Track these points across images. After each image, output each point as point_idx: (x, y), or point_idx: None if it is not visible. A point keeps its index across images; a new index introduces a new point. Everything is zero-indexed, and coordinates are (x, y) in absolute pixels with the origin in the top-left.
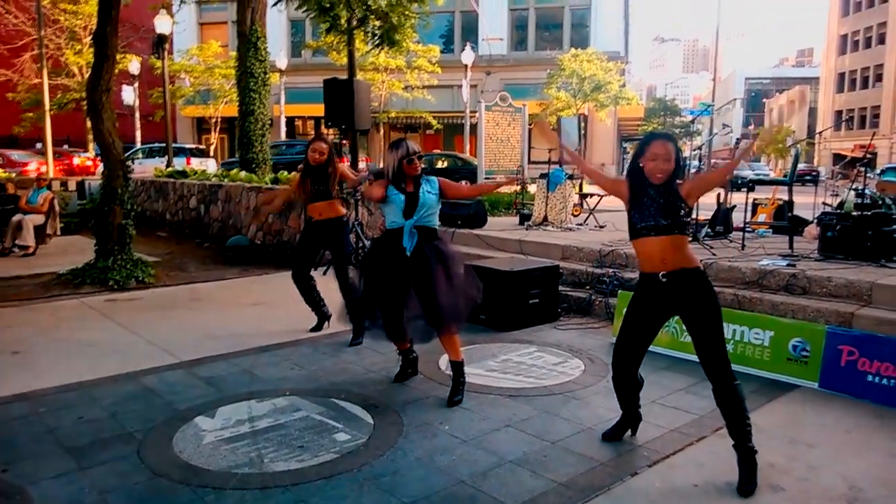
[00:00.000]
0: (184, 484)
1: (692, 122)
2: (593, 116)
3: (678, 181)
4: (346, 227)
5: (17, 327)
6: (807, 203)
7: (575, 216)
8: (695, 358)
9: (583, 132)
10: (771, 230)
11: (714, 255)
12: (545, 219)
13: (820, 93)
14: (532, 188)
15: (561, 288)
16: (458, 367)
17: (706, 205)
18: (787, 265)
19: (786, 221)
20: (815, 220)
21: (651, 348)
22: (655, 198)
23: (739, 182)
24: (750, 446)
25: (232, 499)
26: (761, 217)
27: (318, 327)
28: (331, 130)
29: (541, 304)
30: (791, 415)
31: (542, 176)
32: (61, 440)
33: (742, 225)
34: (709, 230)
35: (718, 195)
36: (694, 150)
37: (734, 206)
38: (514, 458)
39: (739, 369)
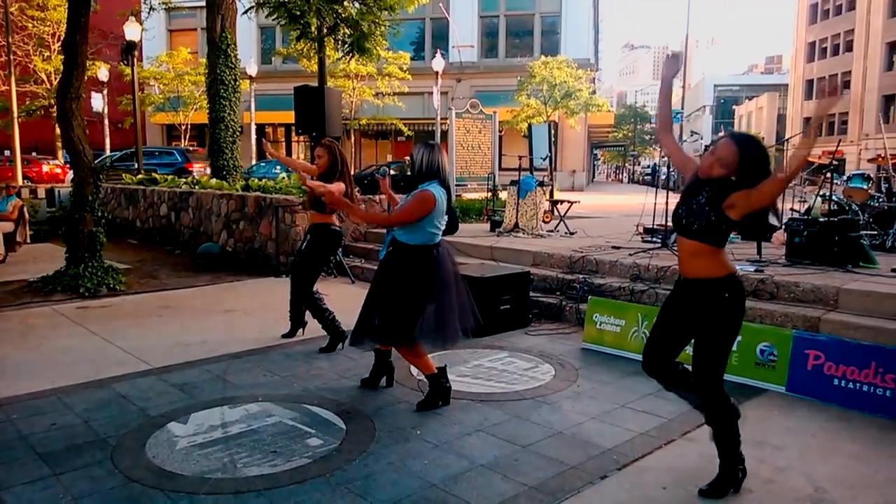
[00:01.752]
0: (157, 489)
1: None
2: (563, 123)
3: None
4: (329, 235)
5: None
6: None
7: (546, 223)
8: None
9: (553, 139)
10: (739, 236)
11: None
12: (516, 225)
13: (789, 99)
14: (503, 195)
15: (532, 294)
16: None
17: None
18: (755, 270)
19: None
20: (783, 226)
21: (620, 353)
22: (703, 199)
23: None
24: (732, 462)
25: (206, 503)
26: None
27: (290, 334)
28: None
29: (512, 309)
30: (759, 418)
31: (513, 183)
32: (34, 446)
33: None
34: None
35: None
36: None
37: None
38: (486, 462)
39: None
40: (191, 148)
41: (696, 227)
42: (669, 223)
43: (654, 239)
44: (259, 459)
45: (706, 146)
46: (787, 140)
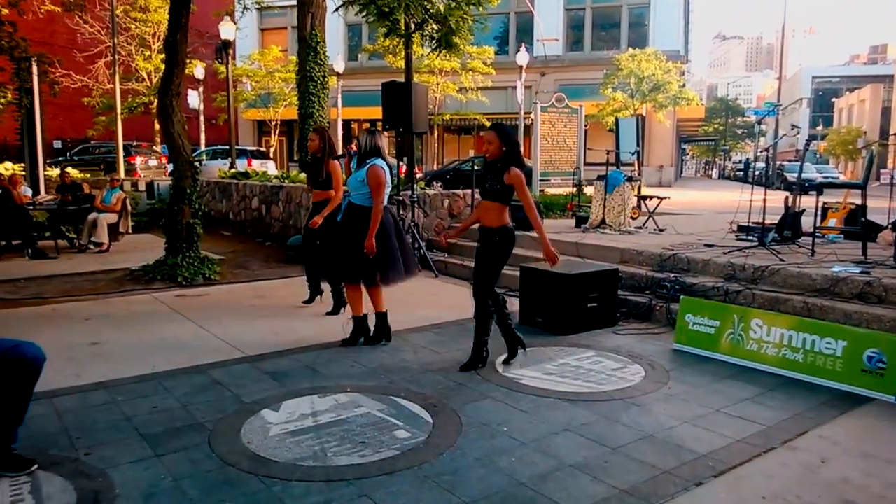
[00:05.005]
0: (252, 474)
1: (759, 122)
2: (651, 117)
3: None
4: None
5: (94, 320)
6: (881, 207)
7: (633, 219)
8: (760, 366)
9: (640, 133)
10: (842, 236)
11: (782, 260)
12: (603, 221)
13: (895, 91)
14: (589, 190)
15: (620, 292)
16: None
17: (774, 209)
18: (861, 272)
19: (858, 226)
20: (891, 226)
21: (714, 355)
22: None
23: (807, 185)
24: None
25: (298, 490)
26: (832, 222)
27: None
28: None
29: (599, 308)
30: (866, 429)
31: (600, 178)
32: (138, 427)
33: (811, 230)
34: (776, 235)
35: (786, 198)
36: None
37: (803, 210)
38: (574, 463)
39: (809, 380)
40: (134, 142)
41: None
42: (767, 220)
43: (750, 237)
44: (349, 449)
45: (807, 140)
46: (894, 135)
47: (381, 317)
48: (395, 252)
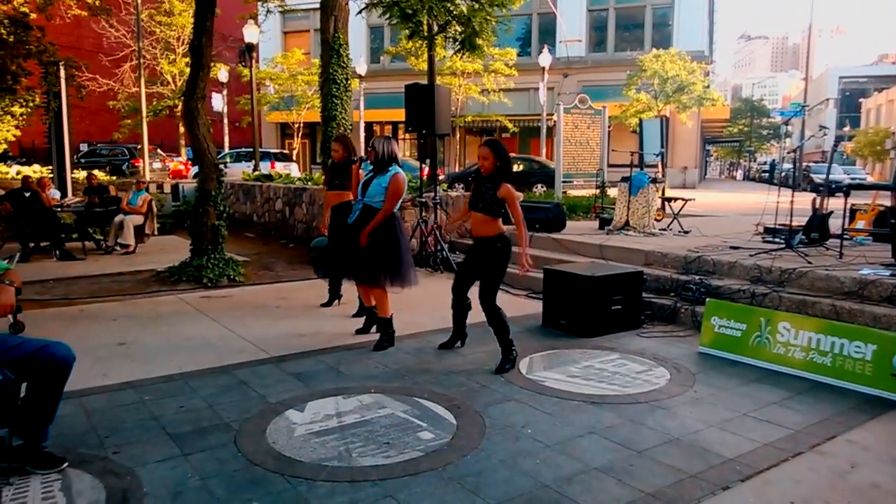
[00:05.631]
0: (278, 473)
1: (786, 123)
2: (675, 118)
3: None
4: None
5: (121, 320)
6: None
7: (658, 221)
8: (788, 369)
9: (665, 134)
10: (871, 238)
11: (809, 262)
12: (626, 223)
13: None
14: (612, 192)
15: (644, 294)
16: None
17: (800, 210)
18: (891, 275)
19: (888, 229)
20: None
21: (740, 358)
22: None
23: (834, 186)
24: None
25: (323, 490)
26: (860, 224)
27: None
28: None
29: (623, 310)
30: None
31: (624, 179)
32: (165, 427)
33: (839, 232)
34: (803, 237)
35: (814, 200)
36: (788, 152)
37: (831, 212)
38: (599, 466)
39: (837, 384)
40: (138, 145)
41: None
42: (794, 222)
43: (777, 239)
44: (373, 450)
45: (835, 141)
46: None
47: (384, 320)
48: (405, 256)
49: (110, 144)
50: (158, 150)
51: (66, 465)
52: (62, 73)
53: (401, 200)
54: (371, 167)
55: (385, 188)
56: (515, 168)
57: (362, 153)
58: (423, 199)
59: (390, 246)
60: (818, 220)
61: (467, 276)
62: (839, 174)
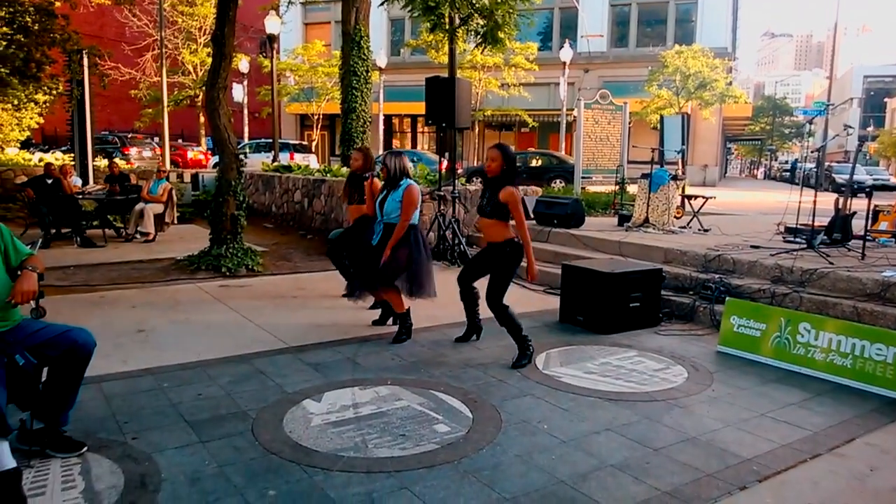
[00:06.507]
0: (294, 463)
1: (810, 122)
2: (696, 115)
3: None
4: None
5: (140, 308)
6: None
7: (677, 218)
8: (807, 371)
9: (686, 131)
10: (894, 239)
11: (831, 263)
12: (646, 220)
13: None
14: (632, 188)
15: (663, 292)
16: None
17: (822, 211)
18: None
19: None
20: None
21: (759, 358)
22: None
23: (857, 187)
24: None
25: (339, 480)
26: (883, 225)
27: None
28: (427, 129)
29: (642, 307)
30: None
31: (644, 176)
32: (183, 414)
33: (862, 233)
34: (825, 237)
35: (836, 200)
36: (812, 151)
37: (853, 213)
38: (615, 463)
39: (858, 386)
40: (129, 134)
41: None
42: (817, 222)
43: (798, 239)
44: (389, 441)
45: (859, 141)
46: None
47: (401, 315)
48: (426, 267)
49: (103, 133)
50: (150, 140)
51: (85, 449)
52: (85, 61)
53: (417, 211)
54: (384, 184)
55: (400, 202)
56: (534, 163)
57: (381, 149)
58: (442, 193)
59: (410, 257)
60: (841, 221)
61: (474, 270)
62: (862, 175)
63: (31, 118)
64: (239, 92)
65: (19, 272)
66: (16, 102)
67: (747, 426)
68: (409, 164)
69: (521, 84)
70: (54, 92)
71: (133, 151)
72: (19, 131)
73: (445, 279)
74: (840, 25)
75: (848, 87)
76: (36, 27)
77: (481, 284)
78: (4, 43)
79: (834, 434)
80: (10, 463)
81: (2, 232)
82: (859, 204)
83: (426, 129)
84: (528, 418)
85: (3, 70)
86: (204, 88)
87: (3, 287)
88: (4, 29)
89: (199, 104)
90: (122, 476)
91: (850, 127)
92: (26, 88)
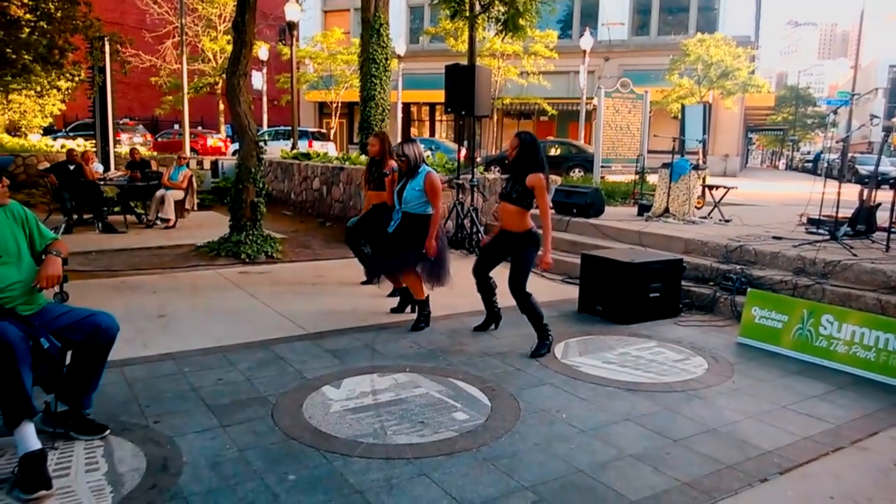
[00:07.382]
0: (314, 448)
1: (835, 111)
2: (718, 104)
3: None
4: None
5: (161, 293)
6: None
7: (698, 208)
8: (830, 363)
9: (707, 121)
10: None
11: (855, 255)
12: (666, 210)
13: None
14: (652, 178)
15: (683, 283)
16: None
17: (847, 202)
18: None
19: None
20: None
21: (780, 350)
22: None
23: (881, 178)
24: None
25: (358, 466)
26: None
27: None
28: (446, 117)
29: (662, 298)
30: None
31: (665, 165)
32: (204, 399)
33: (887, 225)
34: (849, 229)
35: (861, 191)
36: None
37: (878, 205)
38: (634, 453)
39: (881, 379)
40: (121, 120)
41: None
42: (840, 214)
43: (821, 230)
44: (408, 428)
45: (884, 131)
46: None
47: (421, 302)
48: (444, 255)
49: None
50: (139, 126)
51: (108, 432)
52: (107, 48)
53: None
54: (403, 172)
55: (420, 191)
56: (553, 152)
57: (399, 136)
58: (460, 182)
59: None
60: (865, 213)
61: (488, 260)
62: (886, 166)
63: (54, 104)
64: (258, 79)
65: (44, 256)
66: (38, 89)
67: (768, 418)
68: (422, 150)
69: (541, 72)
70: (76, 79)
71: (124, 138)
72: (42, 118)
73: (464, 267)
74: (866, 14)
75: (873, 76)
76: (59, 14)
77: (497, 274)
78: (28, 30)
79: (857, 427)
80: (36, 444)
81: (27, 217)
82: (884, 196)
83: (444, 117)
84: (546, 407)
85: (26, 57)
86: (224, 76)
87: (29, 271)
88: (28, 16)
89: (219, 91)
90: (145, 459)
91: (877, 116)
92: (49, 75)
